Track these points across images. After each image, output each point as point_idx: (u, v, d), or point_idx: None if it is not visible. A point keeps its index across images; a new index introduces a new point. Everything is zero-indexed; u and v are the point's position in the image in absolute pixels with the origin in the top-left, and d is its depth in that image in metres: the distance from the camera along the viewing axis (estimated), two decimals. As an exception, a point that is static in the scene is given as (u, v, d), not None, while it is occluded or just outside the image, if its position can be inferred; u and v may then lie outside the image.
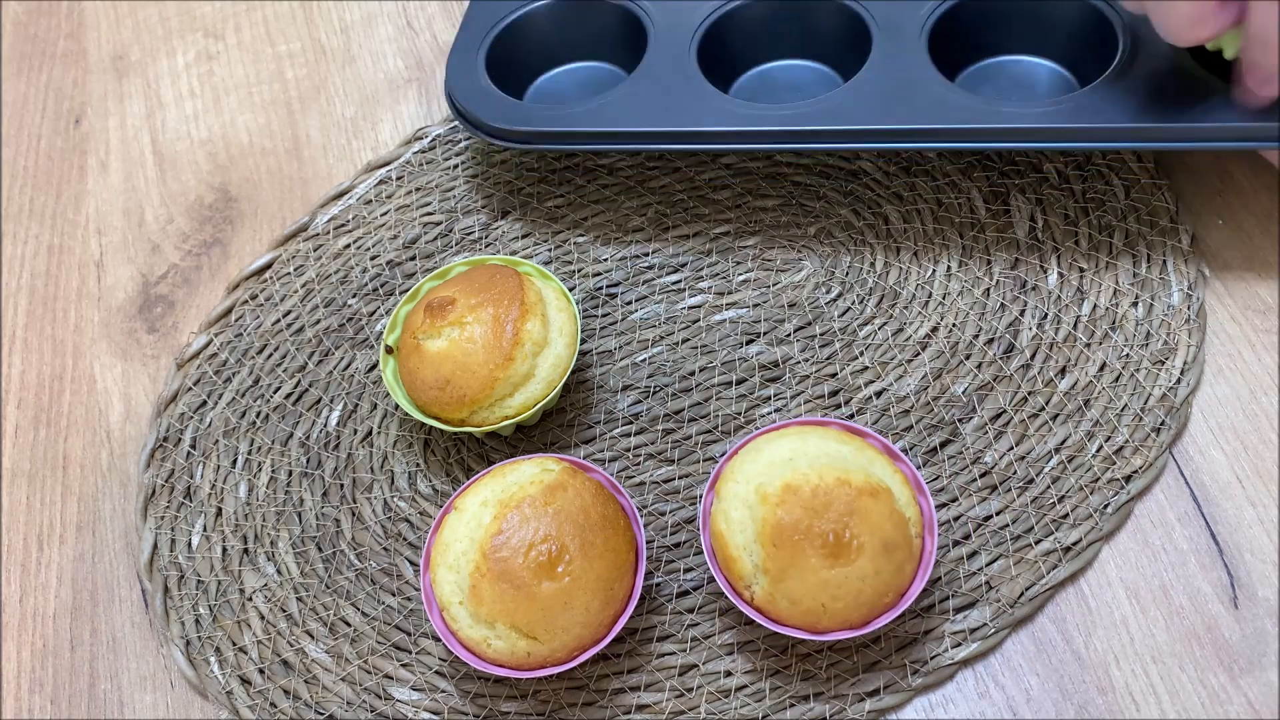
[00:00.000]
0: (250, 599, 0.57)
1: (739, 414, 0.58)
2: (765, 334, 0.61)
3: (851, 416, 0.57)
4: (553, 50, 0.70)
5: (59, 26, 0.85)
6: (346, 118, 0.76)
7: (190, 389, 0.64)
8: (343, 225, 0.70)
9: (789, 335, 0.61)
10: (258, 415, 0.62)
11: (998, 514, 0.53)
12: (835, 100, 0.59)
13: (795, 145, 0.59)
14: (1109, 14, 0.59)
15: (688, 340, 0.61)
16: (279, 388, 0.63)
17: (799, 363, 0.60)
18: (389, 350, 0.59)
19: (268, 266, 0.69)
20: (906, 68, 0.59)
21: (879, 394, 0.58)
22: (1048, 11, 0.62)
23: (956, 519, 0.54)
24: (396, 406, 0.61)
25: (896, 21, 0.62)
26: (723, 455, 0.52)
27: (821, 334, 0.60)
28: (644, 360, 0.61)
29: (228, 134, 0.76)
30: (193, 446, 0.62)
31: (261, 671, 0.54)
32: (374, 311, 0.65)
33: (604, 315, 0.63)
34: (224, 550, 0.58)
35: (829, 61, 0.67)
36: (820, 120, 0.59)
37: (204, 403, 0.63)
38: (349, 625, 0.55)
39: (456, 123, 0.72)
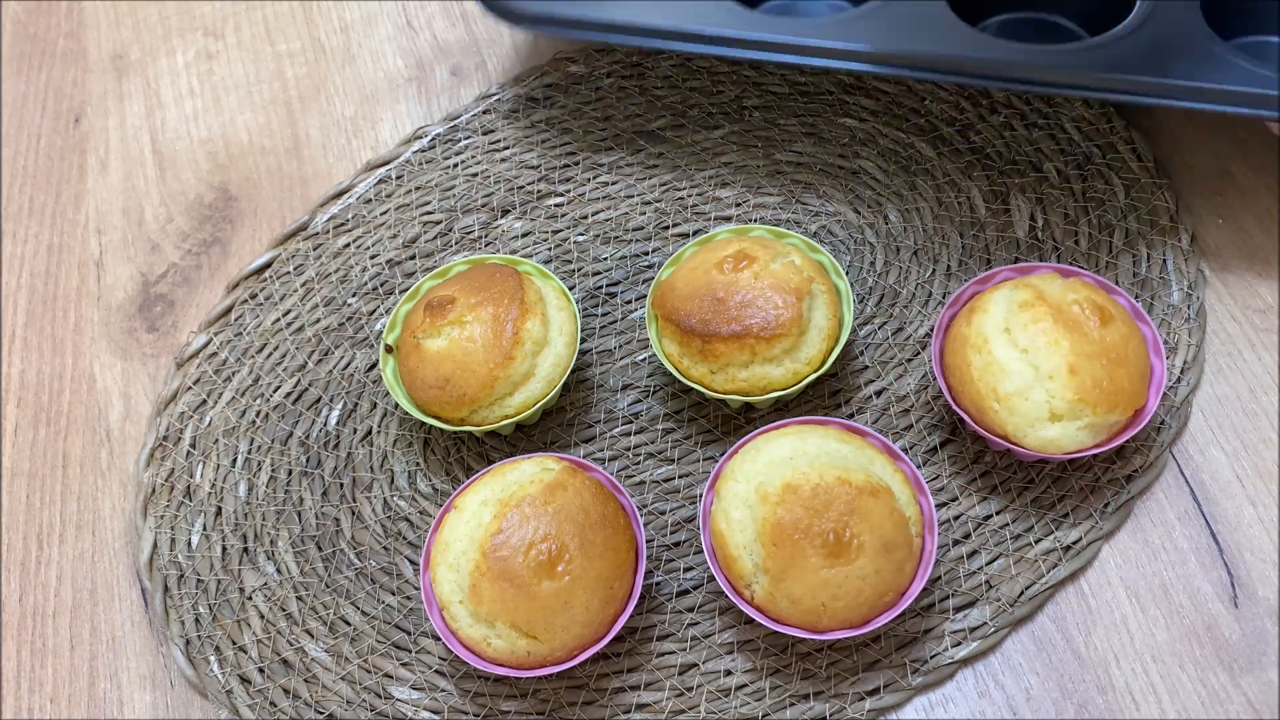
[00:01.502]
0: (250, 598, 0.56)
1: (739, 413, 0.58)
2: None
3: (851, 416, 0.57)
4: None
5: (59, 26, 0.85)
6: (346, 117, 0.76)
7: (190, 388, 0.64)
8: (342, 224, 0.70)
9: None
10: (257, 414, 0.62)
11: (998, 513, 0.53)
12: (849, 19, 0.59)
13: (805, 60, 0.59)
14: None
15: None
16: (279, 387, 0.63)
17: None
18: (389, 349, 0.58)
19: (267, 266, 0.69)
20: (926, 10, 0.59)
21: (879, 393, 0.58)
22: None
23: (956, 518, 0.54)
24: (396, 406, 0.61)
25: None
26: (723, 455, 0.52)
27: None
28: (644, 360, 0.61)
29: (227, 133, 0.76)
30: (192, 446, 0.62)
31: (261, 670, 0.54)
32: (374, 311, 0.65)
33: (604, 315, 0.63)
34: (224, 549, 0.58)
35: None
36: (832, 35, 0.59)
37: (204, 402, 0.63)
38: (349, 624, 0.55)
39: (456, 122, 0.73)
